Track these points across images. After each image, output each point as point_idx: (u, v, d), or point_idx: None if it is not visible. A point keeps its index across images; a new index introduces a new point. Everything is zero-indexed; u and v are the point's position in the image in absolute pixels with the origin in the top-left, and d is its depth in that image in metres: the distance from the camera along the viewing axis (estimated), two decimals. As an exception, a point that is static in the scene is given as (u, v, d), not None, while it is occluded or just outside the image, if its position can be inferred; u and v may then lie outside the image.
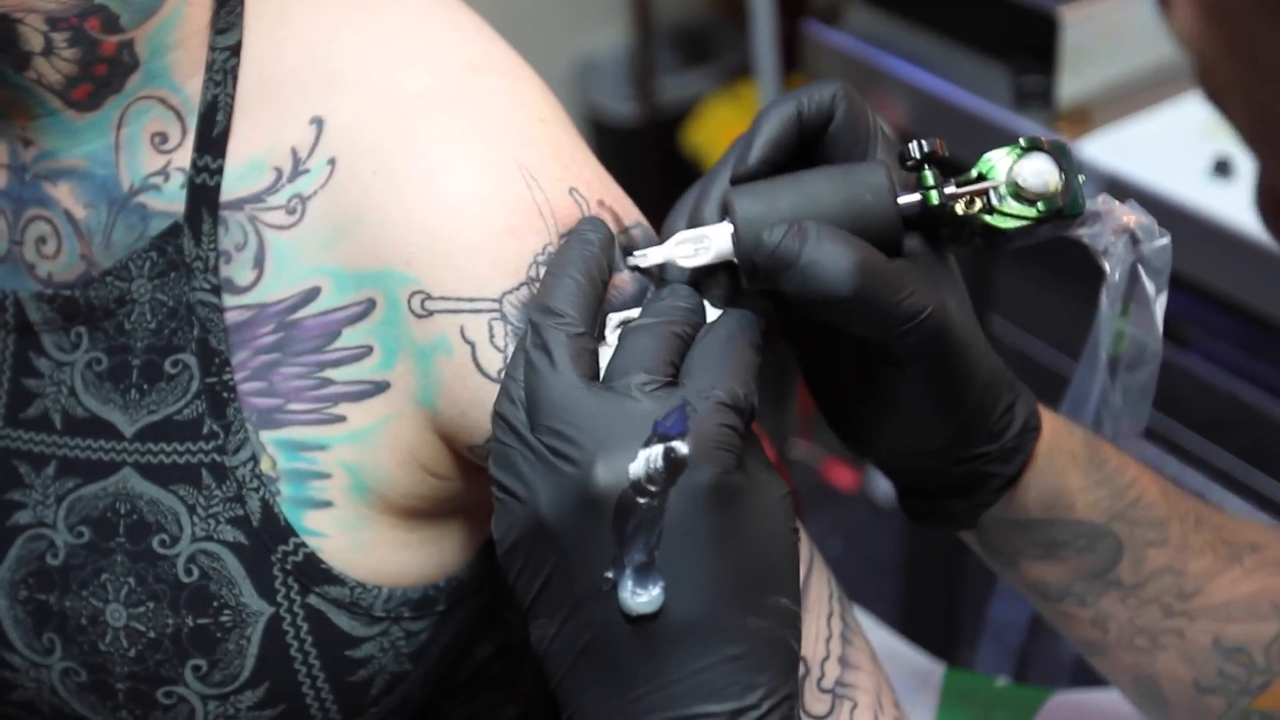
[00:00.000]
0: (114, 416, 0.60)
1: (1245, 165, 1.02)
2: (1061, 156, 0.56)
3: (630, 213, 0.60)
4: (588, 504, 0.48)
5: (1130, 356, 0.62)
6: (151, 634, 0.60)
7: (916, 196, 0.55)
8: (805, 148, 0.56)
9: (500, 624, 0.71)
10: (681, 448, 0.48)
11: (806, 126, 0.56)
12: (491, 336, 0.56)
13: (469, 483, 0.61)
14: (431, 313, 0.56)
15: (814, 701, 0.59)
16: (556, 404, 0.50)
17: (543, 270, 0.56)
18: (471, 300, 0.55)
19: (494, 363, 0.56)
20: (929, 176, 0.55)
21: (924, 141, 0.55)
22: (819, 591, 0.61)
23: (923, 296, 0.53)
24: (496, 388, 0.55)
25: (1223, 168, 1.02)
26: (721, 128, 2.03)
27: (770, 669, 0.49)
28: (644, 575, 0.48)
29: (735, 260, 0.54)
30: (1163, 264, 0.59)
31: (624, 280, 0.58)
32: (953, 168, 0.56)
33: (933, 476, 0.61)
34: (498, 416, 0.51)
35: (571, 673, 0.50)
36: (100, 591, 0.60)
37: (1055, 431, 0.62)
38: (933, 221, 0.56)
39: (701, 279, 0.56)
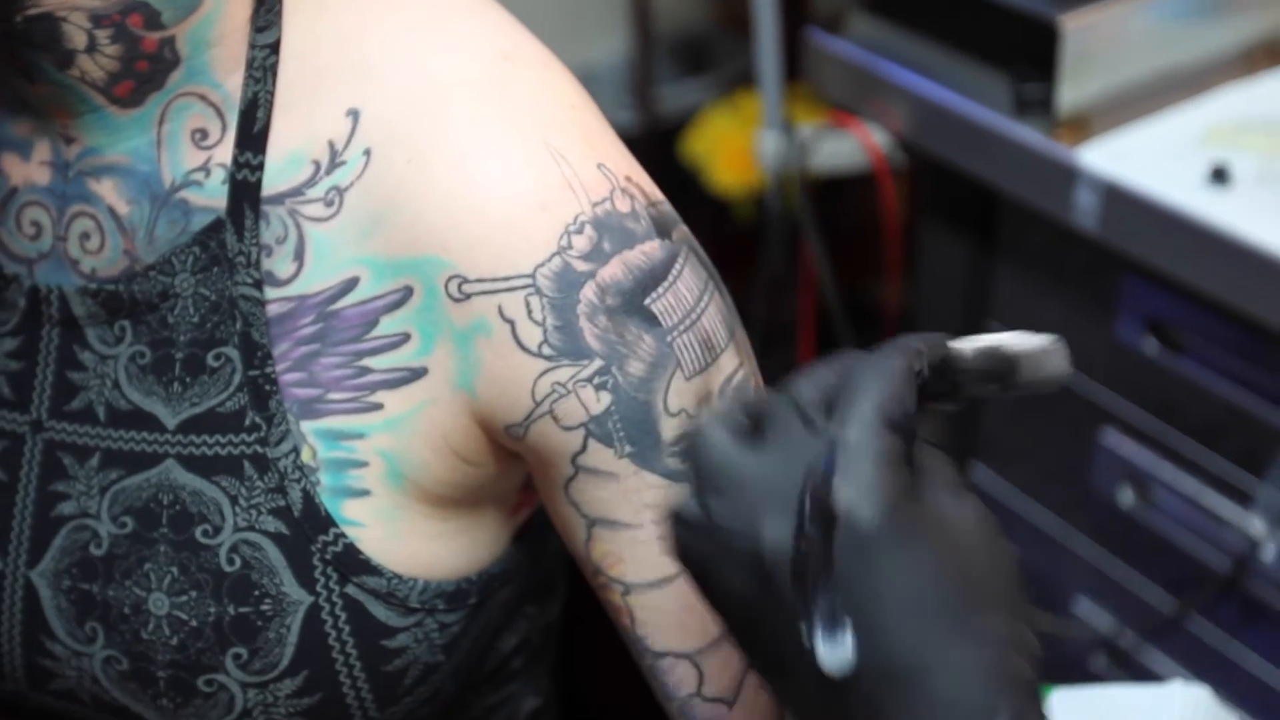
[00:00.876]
0: (157, 409, 0.62)
1: (1242, 172, 1.04)
2: None
3: (655, 191, 0.61)
4: (764, 573, 0.47)
5: None
6: (194, 622, 0.61)
7: None
8: None
9: (523, 617, 0.72)
10: (835, 495, 0.45)
11: None
12: (529, 312, 0.57)
13: (500, 468, 0.62)
14: (469, 296, 0.57)
15: None
16: (716, 467, 0.49)
17: (574, 239, 0.57)
18: (507, 279, 0.57)
19: (534, 337, 0.57)
20: None
21: None
22: None
23: None
24: (538, 362, 0.57)
25: (1220, 175, 1.04)
26: (721, 137, 2.05)
27: (993, 692, 0.45)
28: (831, 628, 0.45)
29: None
30: None
31: None
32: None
33: None
34: (670, 514, 0.50)
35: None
36: (143, 581, 0.62)
37: None
38: None
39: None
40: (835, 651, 0.45)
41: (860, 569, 0.45)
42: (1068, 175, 1.09)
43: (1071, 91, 1.11)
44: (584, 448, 0.58)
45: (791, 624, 0.46)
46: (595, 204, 0.58)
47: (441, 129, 0.58)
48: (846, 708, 0.46)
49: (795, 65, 1.41)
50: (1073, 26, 1.10)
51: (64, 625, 0.63)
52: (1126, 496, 1.19)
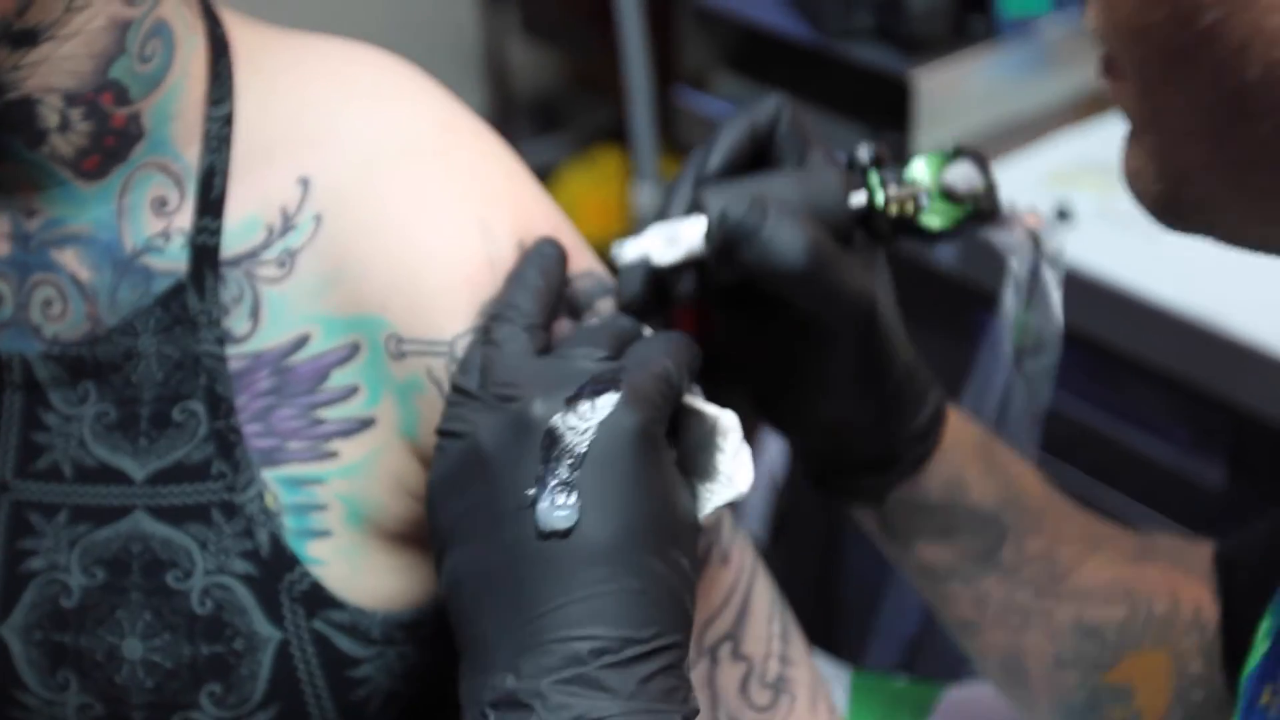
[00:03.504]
0: (124, 464, 0.65)
1: (1084, 210, 1.14)
2: (982, 163, 0.65)
3: (581, 260, 0.66)
4: (522, 429, 0.54)
5: (1032, 345, 0.72)
6: (168, 664, 0.64)
7: (863, 196, 0.64)
8: (756, 156, 0.65)
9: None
10: (613, 393, 0.54)
11: (757, 135, 0.65)
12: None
13: None
14: (405, 354, 0.62)
15: (758, 694, 0.66)
16: (507, 367, 0.56)
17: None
18: (432, 344, 0.62)
19: None
20: (875, 179, 0.64)
21: (869, 147, 0.65)
22: (763, 595, 0.68)
23: (863, 280, 0.62)
24: None
25: (1064, 213, 1.13)
26: (580, 194, 2.11)
27: (665, 611, 0.53)
28: (562, 493, 0.52)
29: (703, 254, 0.62)
30: (1060, 259, 0.69)
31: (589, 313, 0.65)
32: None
33: (849, 454, 0.68)
34: (453, 385, 0.58)
35: (477, 598, 0.54)
36: (116, 628, 0.64)
37: (957, 425, 0.70)
38: (873, 219, 0.64)
39: (669, 278, 0.63)
40: (558, 514, 0.52)
41: (608, 457, 0.53)
42: (927, 218, 1.17)
43: (926, 140, 1.20)
44: None
45: (517, 480, 0.53)
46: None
47: (387, 196, 0.63)
48: (535, 570, 0.52)
49: (666, 121, 1.48)
50: (924, 81, 1.18)
51: (36, 676, 0.66)
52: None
